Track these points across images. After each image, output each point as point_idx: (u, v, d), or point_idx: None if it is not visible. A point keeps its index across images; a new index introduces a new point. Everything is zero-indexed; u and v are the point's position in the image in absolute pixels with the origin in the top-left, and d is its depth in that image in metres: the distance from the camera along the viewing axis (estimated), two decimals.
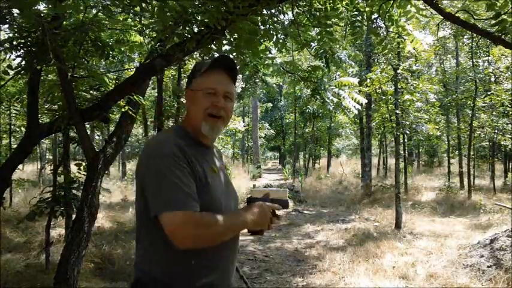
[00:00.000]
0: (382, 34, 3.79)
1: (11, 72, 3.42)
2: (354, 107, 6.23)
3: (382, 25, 3.77)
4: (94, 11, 3.53)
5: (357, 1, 3.47)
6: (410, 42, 3.69)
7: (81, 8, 3.12)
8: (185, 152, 1.23)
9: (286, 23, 4.10)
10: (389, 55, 7.17)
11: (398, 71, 7.60)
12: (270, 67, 5.57)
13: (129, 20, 3.91)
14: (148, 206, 1.21)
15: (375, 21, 3.62)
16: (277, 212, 1.38)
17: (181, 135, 1.32)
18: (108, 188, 7.62)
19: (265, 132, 26.78)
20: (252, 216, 1.27)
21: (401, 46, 4.12)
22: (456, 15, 3.00)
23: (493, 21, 2.76)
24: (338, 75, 6.71)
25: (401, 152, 10.36)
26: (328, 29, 3.60)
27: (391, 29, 3.61)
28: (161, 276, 1.24)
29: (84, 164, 4.18)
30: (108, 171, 11.74)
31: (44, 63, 3.05)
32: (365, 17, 3.52)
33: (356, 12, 3.54)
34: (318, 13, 3.55)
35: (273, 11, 3.31)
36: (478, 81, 11.88)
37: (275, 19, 3.32)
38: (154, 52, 3.35)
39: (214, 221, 1.19)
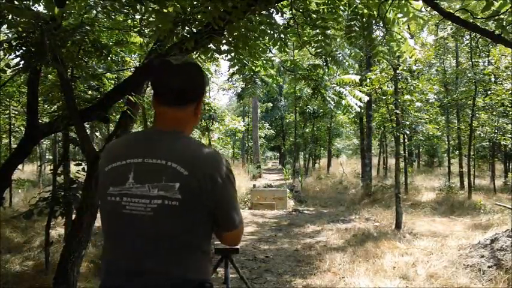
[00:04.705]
0: (380, 36, 3.77)
1: (9, 71, 3.43)
2: (356, 104, 6.20)
3: (380, 30, 3.76)
4: (94, 12, 3.53)
5: (354, 4, 3.44)
6: (405, 50, 3.69)
7: (82, 5, 3.12)
8: None
9: (283, 22, 4.09)
10: (385, 60, 7.17)
11: (398, 71, 7.60)
12: (267, 70, 5.53)
13: (129, 21, 3.91)
14: (222, 217, 1.30)
15: (372, 24, 3.57)
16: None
17: None
18: None
19: (265, 132, 26.75)
20: None
21: (398, 52, 4.08)
22: (456, 14, 2.99)
23: (492, 20, 2.76)
24: (338, 74, 6.69)
25: (402, 152, 10.35)
26: (325, 32, 3.58)
27: (387, 36, 3.59)
28: (211, 282, 1.32)
29: (84, 164, 4.18)
30: None
31: (42, 63, 3.05)
32: (364, 19, 3.49)
33: (353, 16, 3.51)
34: (314, 15, 3.53)
35: (271, 10, 3.29)
36: (477, 81, 11.86)
37: (272, 21, 3.30)
38: (153, 52, 3.35)
39: None
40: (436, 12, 3.23)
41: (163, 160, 1.22)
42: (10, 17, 2.78)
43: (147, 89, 4.12)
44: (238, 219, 1.33)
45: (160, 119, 1.33)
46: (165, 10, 2.70)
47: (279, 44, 3.66)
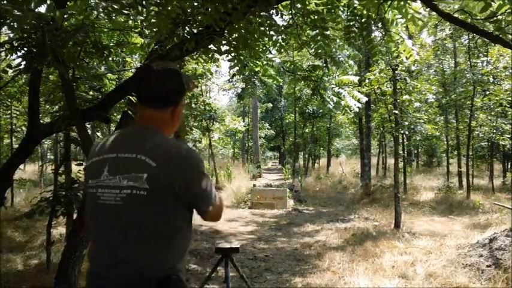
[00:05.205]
0: (379, 37, 3.79)
1: (10, 72, 3.45)
2: (355, 104, 6.23)
3: (378, 31, 3.78)
4: (95, 13, 3.55)
5: (354, 5, 3.46)
6: (403, 51, 3.71)
7: (83, 7, 3.14)
8: None
9: (283, 23, 4.11)
10: (383, 60, 7.19)
11: (396, 72, 7.62)
12: (267, 70, 5.55)
13: (130, 22, 3.93)
14: (194, 204, 1.37)
15: (371, 24, 3.58)
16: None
17: None
18: None
19: (265, 132, 26.78)
20: None
21: (396, 53, 4.12)
22: (455, 15, 3.02)
23: (489, 21, 2.78)
24: (337, 75, 6.72)
25: (401, 152, 10.38)
26: (324, 32, 3.60)
27: (386, 37, 3.62)
28: (180, 270, 1.36)
29: (85, 164, 4.19)
30: None
31: (43, 64, 3.07)
32: (363, 20, 3.51)
33: (352, 17, 3.53)
34: (314, 16, 3.55)
35: (271, 11, 3.31)
36: (476, 81, 11.89)
37: (272, 22, 3.33)
38: (154, 53, 3.37)
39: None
40: (435, 13, 3.26)
41: (133, 153, 1.31)
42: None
43: None
44: (208, 204, 1.39)
45: (140, 118, 1.43)
46: (165, 12, 2.72)
47: (278, 45, 3.68)
